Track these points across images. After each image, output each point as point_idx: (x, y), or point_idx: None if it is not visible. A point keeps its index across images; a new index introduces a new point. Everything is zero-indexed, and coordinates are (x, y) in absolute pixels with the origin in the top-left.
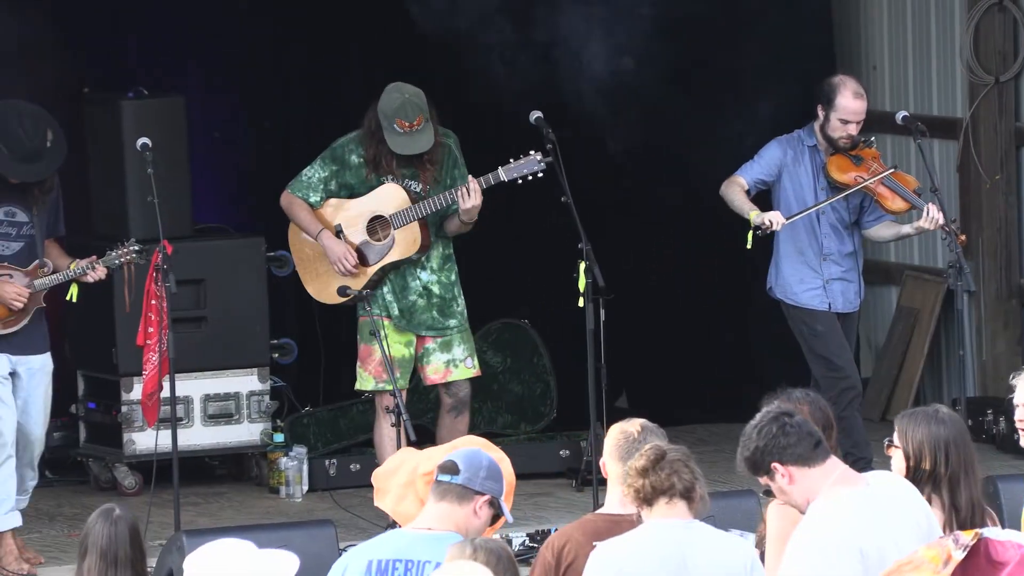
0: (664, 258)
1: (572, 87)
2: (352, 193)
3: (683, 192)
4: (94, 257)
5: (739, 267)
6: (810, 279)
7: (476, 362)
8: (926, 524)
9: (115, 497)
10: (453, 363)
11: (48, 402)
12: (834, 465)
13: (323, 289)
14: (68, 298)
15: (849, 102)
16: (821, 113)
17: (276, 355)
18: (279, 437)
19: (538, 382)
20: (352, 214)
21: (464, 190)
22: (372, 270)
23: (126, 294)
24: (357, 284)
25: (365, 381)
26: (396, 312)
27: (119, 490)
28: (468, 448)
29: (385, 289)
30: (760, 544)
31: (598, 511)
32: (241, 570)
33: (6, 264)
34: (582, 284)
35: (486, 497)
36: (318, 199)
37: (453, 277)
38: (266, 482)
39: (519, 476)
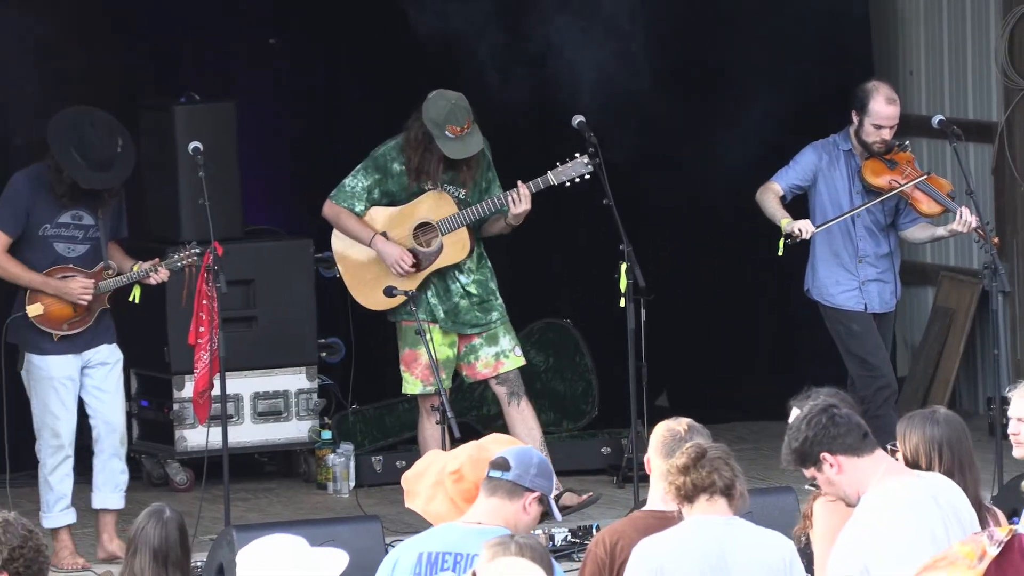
0: (704, 259)
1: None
2: (393, 200)
3: (729, 194)
4: (157, 260)
5: (779, 269)
6: (846, 281)
7: (521, 351)
8: (968, 516)
9: (167, 493)
10: (503, 354)
11: (121, 390)
12: (882, 456)
13: (370, 295)
14: (131, 299)
15: (882, 107)
16: (855, 118)
17: (324, 354)
18: (327, 434)
19: (580, 380)
20: (396, 221)
21: (515, 195)
22: (421, 275)
23: (183, 296)
24: (405, 288)
25: (412, 385)
26: (441, 315)
27: (171, 486)
28: (521, 446)
29: (429, 293)
30: (799, 540)
31: (645, 508)
32: (292, 565)
33: (71, 266)
34: (623, 284)
35: (536, 494)
36: (362, 208)
37: (488, 274)
38: (314, 478)
39: (561, 473)
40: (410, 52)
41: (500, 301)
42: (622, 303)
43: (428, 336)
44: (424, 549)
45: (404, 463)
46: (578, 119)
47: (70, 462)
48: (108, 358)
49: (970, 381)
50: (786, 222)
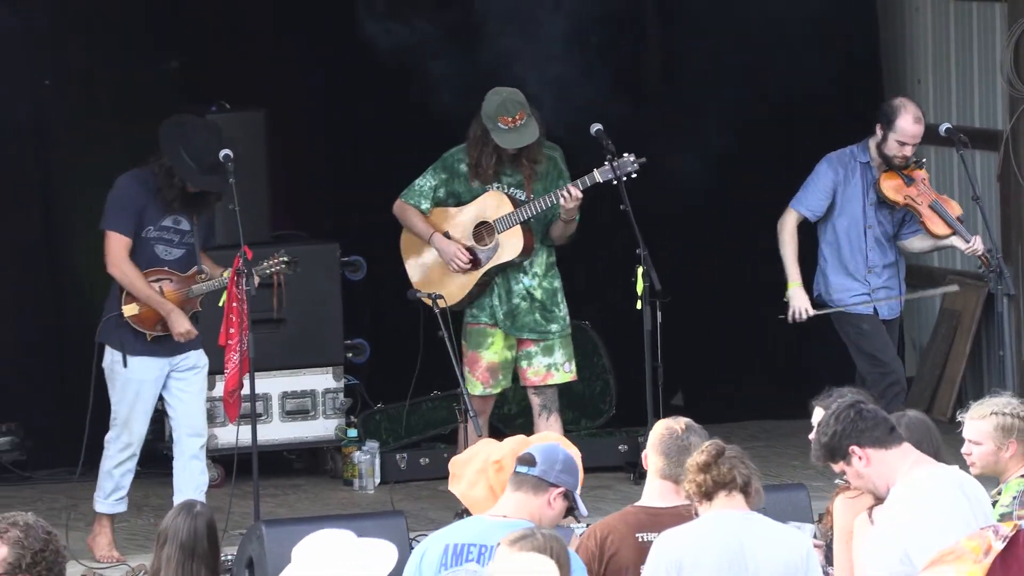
0: (719, 264)
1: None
2: (459, 201)
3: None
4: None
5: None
6: (856, 288)
7: (574, 367)
8: (988, 506)
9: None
10: (554, 367)
11: (204, 395)
12: (909, 449)
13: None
14: (220, 304)
15: (909, 126)
16: (879, 132)
17: (350, 354)
18: (352, 432)
19: (598, 380)
20: (459, 220)
21: (565, 192)
22: (480, 272)
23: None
24: (467, 286)
25: (473, 386)
26: (500, 317)
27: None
28: (547, 442)
29: (493, 295)
30: (826, 535)
31: (638, 503)
32: (346, 559)
33: (167, 268)
34: (640, 288)
35: (560, 489)
36: (428, 206)
37: (556, 284)
38: (340, 475)
39: None
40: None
41: (564, 314)
42: (639, 306)
43: (490, 340)
44: (450, 541)
45: (427, 460)
46: (596, 127)
47: (134, 461)
48: (197, 363)
49: (976, 381)
50: (791, 288)
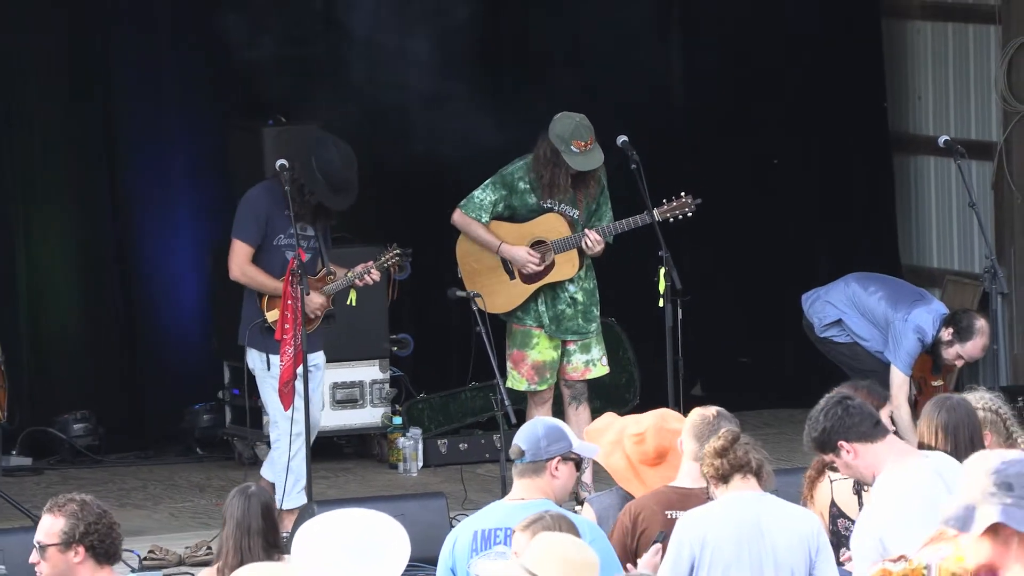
0: (737, 262)
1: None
2: (514, 215)
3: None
4: (370, 263)
5: (805, 275)
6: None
7: (608, 361)
8: None
9: (254, 472)
10: (592, 362)
11: (320, 390)
12: (893, 440)
13: (487, 300)
14: (348, 303)
15: (977, 351)
16: (949, 335)
17: (395, 348)
18: (397, 420)
19: (623, 372)
20: (515, 236)
21: (588, 240)
22: (534, 288)
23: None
24: (517, 299)
25: (518, 382)
26: (547, 321)
27: (259, 465)
28: (525, 426)
29: (539, 300)
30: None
31: (670, 484)
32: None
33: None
34: (662, 287)
35: (555, 459)
36: (486, 219)
37: (592, 285)
38: (386, 459)
39: None
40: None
41: (598, 313)
42: (661, 303)
43: (535, 341)
44: (478, 527)
45: (466, 445)
46: (622, 139)
47: (305, 447)
48: (321, 362)
49: (972, 372)
50: None
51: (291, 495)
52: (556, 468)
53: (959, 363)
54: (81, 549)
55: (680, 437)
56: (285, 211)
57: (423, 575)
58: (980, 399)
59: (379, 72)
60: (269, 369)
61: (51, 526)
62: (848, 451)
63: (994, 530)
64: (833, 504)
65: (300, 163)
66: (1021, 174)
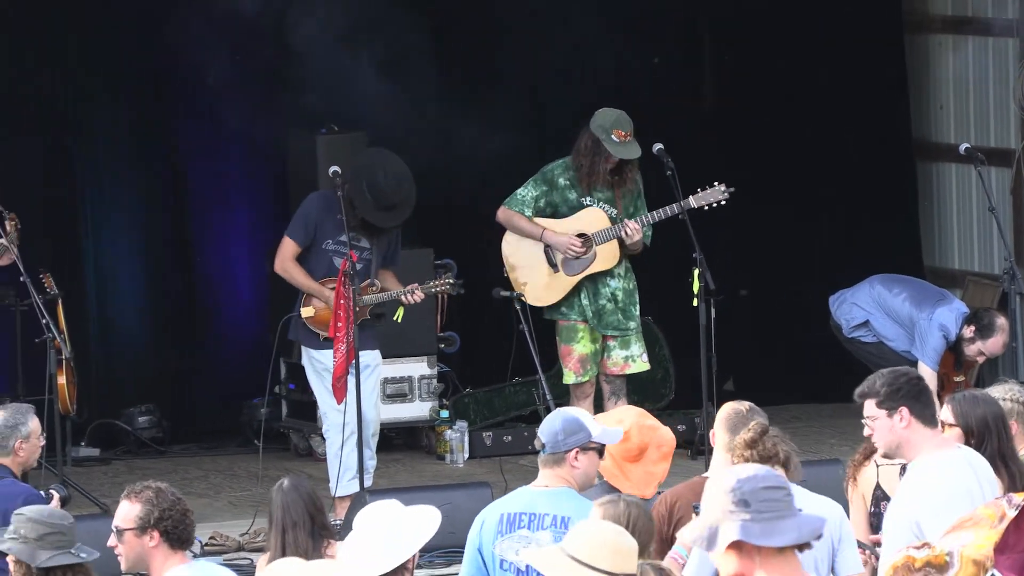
0: (769, 264)
1: None
2: (555, 212)
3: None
4: (415, 284)
5: (832, 277)
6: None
7: (647, 357)
8: (994, 481)
9: (311, 462)
10: (631, 358)
11: (378, 390)
12: (937, 431)
13: (530, 293)
14: (395, 319)
15: (998, 348)
16: (971, 333)
17: (442, 345)
18: (445, 413)
19: (659, 368)
20: (560, 229)
21: (627, 229)
22: (576, 279)
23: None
24: (562, 290)
25: (567, 376)
26: (589, 315)
27: (314, 456)
28: (546, 419)
29: (582, 295)
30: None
31: (704, 475)
32: (393, 524)
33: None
34: (696, 287)
35: (574, 450)
36: (529, 214)
37: (632, 285)
38: (434, 450)
39: None
40: None
41: (638, 312)
42: (695, 303)
43: (579, 335)
44: (505, 510)
45: (510, 438)
46: (657, 146)
47: (355, 438)
48: (371, 362)
49: (992, 368)
50: None
51: (343, 483)
52: (575, 458)
53: (980, 359)
54: (156, 534)
55: (713, 429)
56: (338, 215)
57: None
58: (1008, 390)
59: (420, 80)
60: (306, 357)
61: (128, 512)
62: (903, 419)
63: (737, 546)
64: (878, 487)
65: (351, 180)
66: None
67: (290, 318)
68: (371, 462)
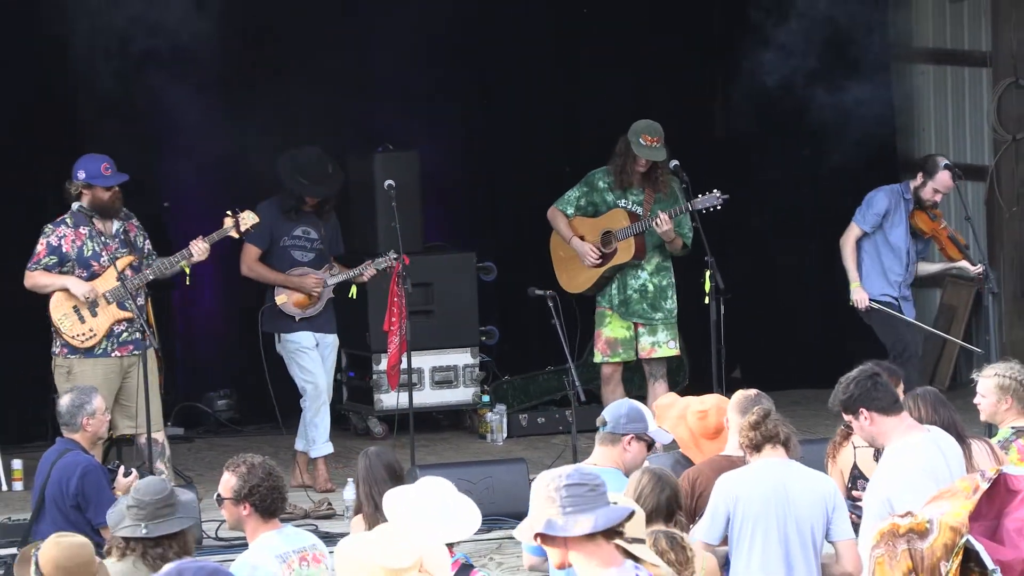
0: (770, 261)
1: None
2: (596, 210)
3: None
4: (369, 262)
5: (832, 270)
6: (889, 291)
7: (678, 344)
8: (960, 460)
9: (368, 441)
10: (657, 344)
11: (333, 368)
12: (905, 416)
13: (570, 281)
14: (350, 296)
15: (946, 180)
16: (920, 179)
17: (484, 338)
18: (486, 398)
19: (675, 358)
20: (590, 229)
21: (657, 220)
22: (603, 269)
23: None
24: (592, 279)
25: (595, 355)
26: (616, 303)
27: (371, 436)
28: (616, 401)
29: (613, 286)
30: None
31: (721, 453)
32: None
33: (305, 267)
34: (707, 287)
35: (629, 436)
36: (572, 212)
37: (665, 282)
38: (476, 430)
39: None
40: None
41: (671, 307)
42: (706, 301)
43: (607, 320)
44: None
45: (543, 419)
46: (674, 163)
47: (327, 408)
48: (332, 343)
49: (968, 360)
50: (854, 287)
51: (316, 445)
52: (629, 443)
53: (938, 198)
54: (247, 505)
55: (727, 415)
56: (285, 217)
57: (508, 528)
58: (1008, 368)
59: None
60: (280, 343)
61: (227, 482)
62: (867, 418)
63: (544, 536)
64: (855, 467)
65: (283, 174)
66: (1008, 193)
67: (264, 310)
68: (328, 419)
